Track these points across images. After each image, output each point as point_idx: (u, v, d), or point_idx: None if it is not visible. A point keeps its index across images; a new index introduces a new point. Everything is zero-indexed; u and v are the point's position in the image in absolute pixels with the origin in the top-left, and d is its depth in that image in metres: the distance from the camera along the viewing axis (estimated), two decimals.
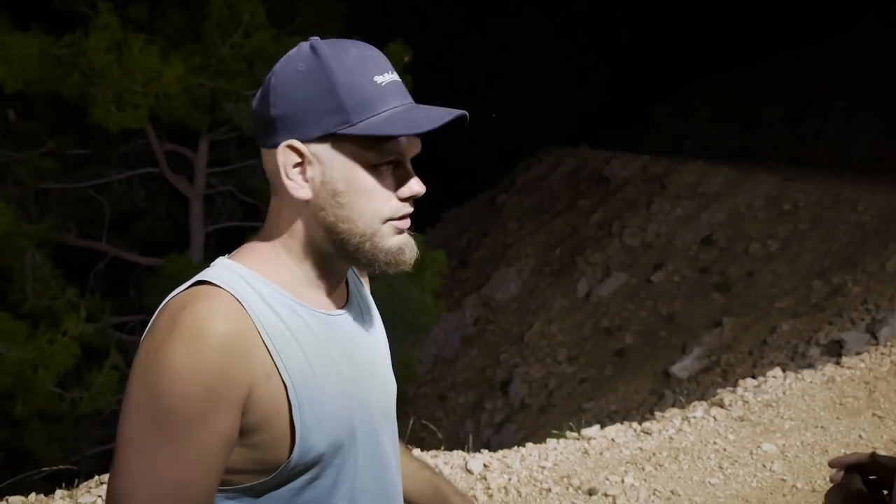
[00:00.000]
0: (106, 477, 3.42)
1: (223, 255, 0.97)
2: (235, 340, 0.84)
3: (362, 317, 1.05)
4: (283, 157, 0.90)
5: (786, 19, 17.24)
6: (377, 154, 0.90)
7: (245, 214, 10.88)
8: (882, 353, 4.86)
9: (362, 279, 1.12)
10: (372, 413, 0.99)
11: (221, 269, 0.92)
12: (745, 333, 8.51)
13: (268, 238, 0.96)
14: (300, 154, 0.90)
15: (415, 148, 0.94)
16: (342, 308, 1.01)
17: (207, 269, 0.93)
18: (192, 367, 0.81)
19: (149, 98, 7.03)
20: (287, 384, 0.87)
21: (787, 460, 3.64)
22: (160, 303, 0.89)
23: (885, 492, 1.04)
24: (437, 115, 0.88)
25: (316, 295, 0.96)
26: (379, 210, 0.91)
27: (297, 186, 0.91)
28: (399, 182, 0.93)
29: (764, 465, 3.61)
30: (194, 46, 7.96)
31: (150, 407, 0.81)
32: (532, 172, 17.11)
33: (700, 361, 8.58)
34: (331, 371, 0.93)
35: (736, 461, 3.66)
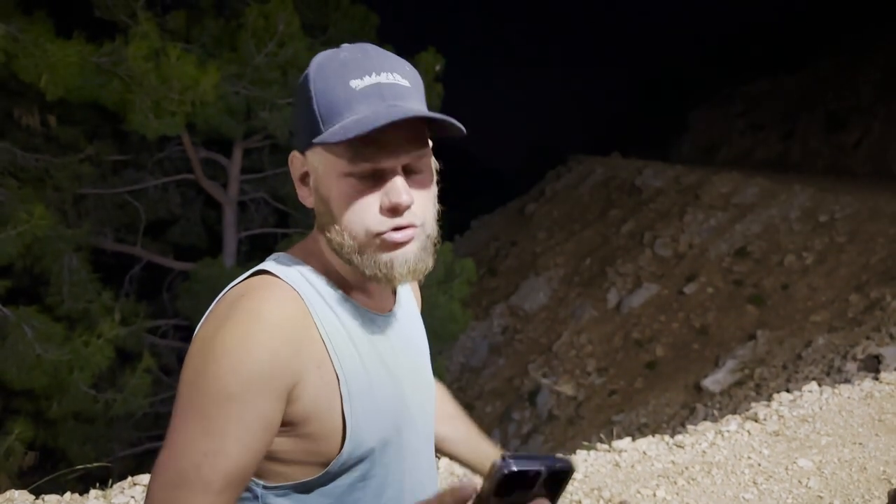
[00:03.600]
0: (139, 478, 3.46)
1: (255, 260, 0.99)
2: (290, 329, 0.85)
3: (408, 319, 1.07)
4: (292, 166, 0.95)
5: (824, 27, 16.95)
6: (348, 162, 0.87)
7: (277, 221, 10.99)
8: None
9: (412, 288, 1.14)
10: (415, 415, 1.00)
11: (280, 263, 0.94)
12: (780, 347, 8.34)
13: (315, 240, 0.98)
14: (302, 164, 0.94)
15: (397, 155, 0.87)
16: (390, 311, 1.02)
17: (267, 261, 0.95)
18: (243, 347, 0.82)
19: (185, 105, 7.14)
20: (340, 376, 0.88)
21: (824, 477, 3.55)
22: (193, 307, 0.91)
23: None
24: (384, 116, 0.83)
25: (366, 296, 0.98)
26: (362, 222, 0.89)
27: (304, 195, 0.95)
28: (382, 193, 0.88)
29: (800, 482, 3.52)
30: (230, 55, 8.08)
31: (194, 384, 0.83)
32: (562, 181, 17.02)
33: (733, 375, 8.42)
34: (380, 369, 0.94)
35: (771, 476, 3.58)
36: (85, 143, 8.95)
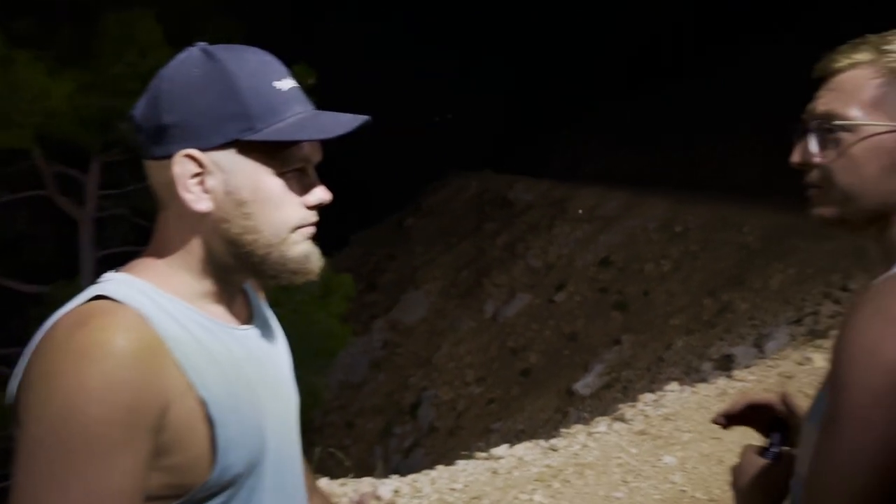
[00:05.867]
0: None
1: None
2: (146, 357, 0.78)
3: (267, 332, 1.01)
4: (180, 167, 0.84)
5: (679, 53, 18.34)
6: (283, 161, 0.87)
7: (139, 239, 10.40)
8: (769, 366, 5.17)
9: (259, 293, 1.07)
10: (278, 432, 0.96)
11: (117, 284, 0.85)
12: (643, 350, 8.87)
13: (159, 254, 0.90)
14: (199, 164, 0.85)
15: (318, 155, 0.91)
16: (247, 323, 0.97)
17: (100, 284, 0.86)
18: (107, 388, 0.74)
19: (35, 117, 6.66)
20: (205, 400, 0.83)
21: (687, 471, 3.80)
22: None
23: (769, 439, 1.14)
24: (346, 120, 0.87)
25: (220, 310, 0.92)
26: (287, 218, 0.88)
27: (196, 198, 0.85)
28: (305, 190, 0.90)
29: (665, 478, 3.74)
30: (87, 64, 7.64)
31: (58, 437, 0.73)
32: (439, 196, 17.30)
33: (601, 378, 8.86)
34: (244, 387, 0.89)
35: (639, 474, 3.79)
36: None
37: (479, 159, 18.41)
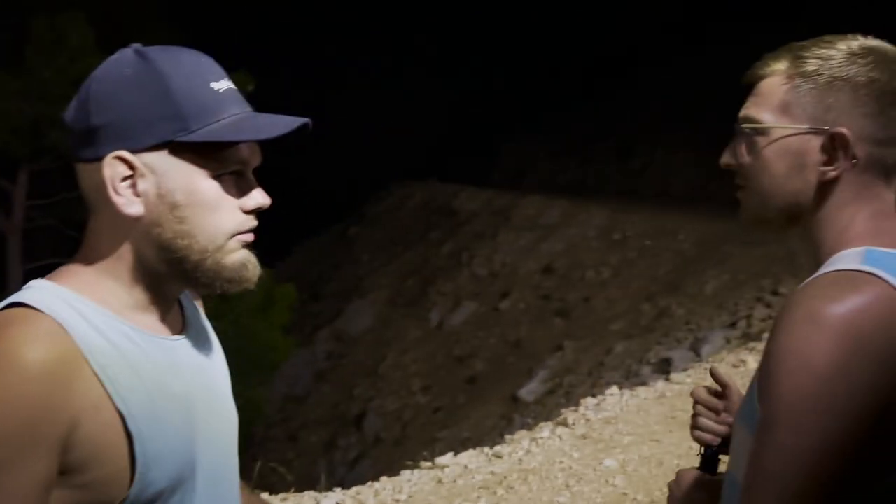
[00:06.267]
0: None
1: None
2: (57, 369, 0.75)
3: (201, 342, 0.97)
4: (110, 169, 0.82)
5: (615, 64, 18.84)
6: (219, 163, 0.84)
7: (70, 251, 10.03)
8: (705, 369, 5.33)
9: (196, 303, 1.04)
10: (213, 446, 0.92)
11: (38, 291, 0.82)
12: (585, 355, 9.02)
13: (88, 261, 0.87)
14: (130, 166, 0.82)
15: (256, 158, 0.89)
16: (179, 333, 0.93)
17: (20, 292, 0.82)
18: (7, 401, 0.72)
19: None
20: (124, 414, 0.80)
21: (628, 474, 3.87)
22: None
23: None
24: (284, 122, 0.85)
25: (150, 319, 0.88)
26: (223, 223, 0.85)
27: (128, 202, 0.83)
28: (243, 194, 0.87)
29: (607, 481, 3.81)
30: (16, 70, 7.38)
31: None
32: (383, 205, 17.25)
33: (545, 384, 8.97)
34: (171, 400, 0.86)
35: (581, 478, 3.84)
36: None
37: (423, 168, 18.46)
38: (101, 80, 0.86)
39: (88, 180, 0.85)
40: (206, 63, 0.88)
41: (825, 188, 0.96)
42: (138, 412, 0.81)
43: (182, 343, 0.92)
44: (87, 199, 0.87)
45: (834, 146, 0.94)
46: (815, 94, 0.95)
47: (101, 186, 0.83)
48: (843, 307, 0.83)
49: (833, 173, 0.95)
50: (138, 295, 0.87)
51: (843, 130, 0.93)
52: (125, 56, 0.87)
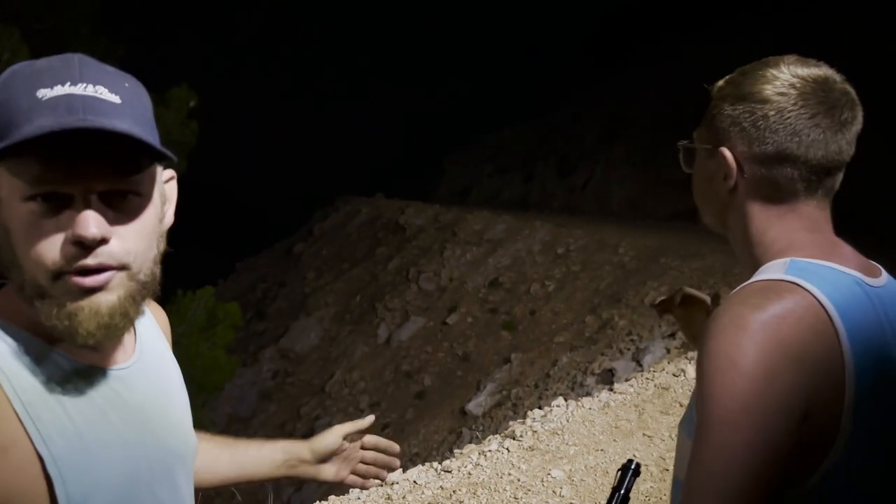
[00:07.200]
0: None
1: None
2: None
3: (153, 366, 0.91)
4: None
5: (555, 83, 19.27)
6: (30, 184, 0.72)
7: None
8: (647, 378, 5.46)
9: (158, 322, 0.98)
10: (164, 479, 0.87)
11: None
12: (531, 367, 9.13)
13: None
14: None
15: (88, 179, 0.73)
16: (128, 359, 0.87)
17: None
18: None
19: None
20: (43, 456, 0.73)
21: (574, 484, 3.94)
22: None
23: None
24: (56, 126, 0.71)
25: (88, 347, 0.79)
26: (45, 259, 0.73)
27: None
28: (70, 222, 0.73)
29: (554, 492, 3.86)
30: None
31: None
32: (330, 221, 17.12)
33: (493, 397, 9.02)
34: (109, 437, 0.79)
35: (529, 490, 3.89)
36: None
37: (369, 184, 18.45)
38: None
39: None
40: (55, 69, 0.76)
41: (736, 201, 1.03)
42: (62, 452, 0.74)
43: (128, 371, 0.85)
44: None
45: (722, 163, 1.02)
46: (717, 115, 1.03)
47: None
48: (766, 314, 0.89)
49: (730, 183, 1.02)
50: None
51: (723, 149, 1.01)
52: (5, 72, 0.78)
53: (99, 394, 0.80)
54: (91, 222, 0.72)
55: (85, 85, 0.75)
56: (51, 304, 0.73)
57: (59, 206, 0.73)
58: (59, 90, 0.73)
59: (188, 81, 8.09)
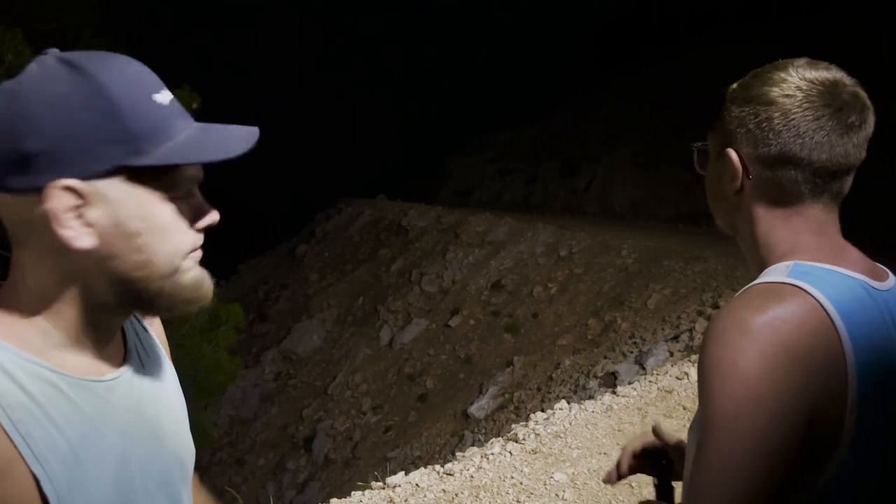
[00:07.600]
0: None
1: None
2: None
3: (146, 373, 0.89)
4: (56, 200, 0.72)
5: (559, 86, 19.27)
6: (173, 184, 0.78)
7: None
8: (650, 381, 5.45)
9: (148, 324, 0.97)
10: (161, 490, 0.86)
11: None
12: (534, 370, 9.11)
13: (11, 298, 0.78)
14: (80, 195, 0.73)
15: (201, 174, 0.83)
16: (119, 368, 0.85)
17: None
18: None
19: None
20: (38, 476, 0.72)
21: (577, 488, 3.92)
22: None
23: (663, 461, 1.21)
24: (242, 135, 0.80)
25: (80, 359, 0.80)
26: (179, 245, 0.80)
27: (77, 235, 0.74)
28: (194, 212, 0.82)
29: (557, 495, 3.85)
30: None
31: None
32: (332, 223, 17.12)
33: (495, 400, 9.01)
34: (102, 451, 0.78)
35: (532, 493, 3.87)
36: None
37: (371, 186, 18.47)
38: (30, 97, 0.73)
39: (18, 212, 0.75)
40: (143, 72, 0.80)
41: (742, 203, 1.03)
42: (57, 471, 0.74)
43: (119, 380, 0.84)
44: (11, 232, 0.77)
45: (729, 164, 1.02)
46: (726, 116, 1.03)
47: (38, 219, 0.74)
48: (767, 316, 0.88)
49: (737, 184, 1.02)
50: (72, 332, 0.80)
51: (729, 150, 1.01)
52: (49, 67, 0.75)
53: (90, 406, 0.79)
54: (214, 210, 0.84)
55: (165, 87, 0.81)
56: (181, 279, 0.81)
57: (184, 199, 0.82)
58: (165, 96, 0.79)
59: (190, 83, 8.10)
